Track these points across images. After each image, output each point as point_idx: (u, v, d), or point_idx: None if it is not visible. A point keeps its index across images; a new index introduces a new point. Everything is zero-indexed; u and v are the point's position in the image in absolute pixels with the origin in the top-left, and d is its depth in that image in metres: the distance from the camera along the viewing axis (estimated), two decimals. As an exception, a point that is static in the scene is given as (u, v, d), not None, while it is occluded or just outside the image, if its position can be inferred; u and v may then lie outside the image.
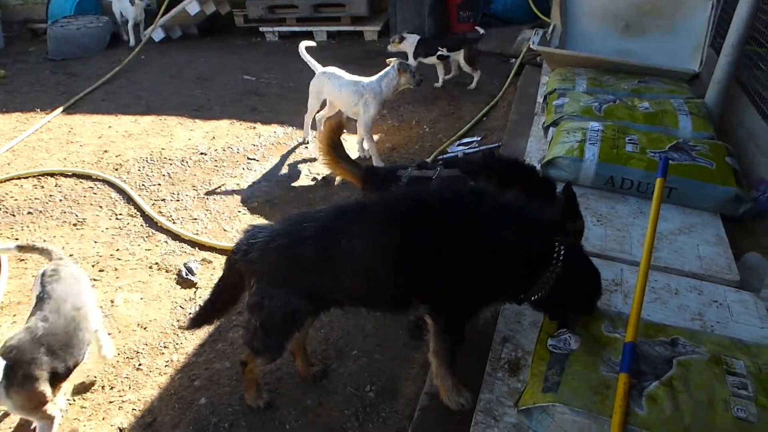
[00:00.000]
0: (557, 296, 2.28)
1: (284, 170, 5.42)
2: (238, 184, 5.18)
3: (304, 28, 9.68)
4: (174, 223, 4.56)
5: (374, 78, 5.19)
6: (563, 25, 6.21)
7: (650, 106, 4.41)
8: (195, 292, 3.82)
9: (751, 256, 3.36)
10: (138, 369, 3.23)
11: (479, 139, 5.67)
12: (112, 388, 3.12)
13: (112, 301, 3.71)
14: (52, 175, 5.37)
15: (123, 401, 3.03)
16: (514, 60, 7.88)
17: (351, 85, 5.17)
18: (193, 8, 9.48)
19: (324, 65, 5.54)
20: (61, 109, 7.05)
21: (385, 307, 2.53)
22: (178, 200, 4.92)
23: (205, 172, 5.39)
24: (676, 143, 3.82)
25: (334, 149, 3.29)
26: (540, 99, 5.28)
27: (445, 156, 5.35)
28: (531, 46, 5.97)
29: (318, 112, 5.65)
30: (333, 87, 5.21)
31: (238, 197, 4.95)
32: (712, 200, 3.58)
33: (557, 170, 3.88)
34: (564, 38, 6.20)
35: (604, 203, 3.68)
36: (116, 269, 4.04)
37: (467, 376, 2.61)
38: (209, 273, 3.98)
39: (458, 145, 5.62)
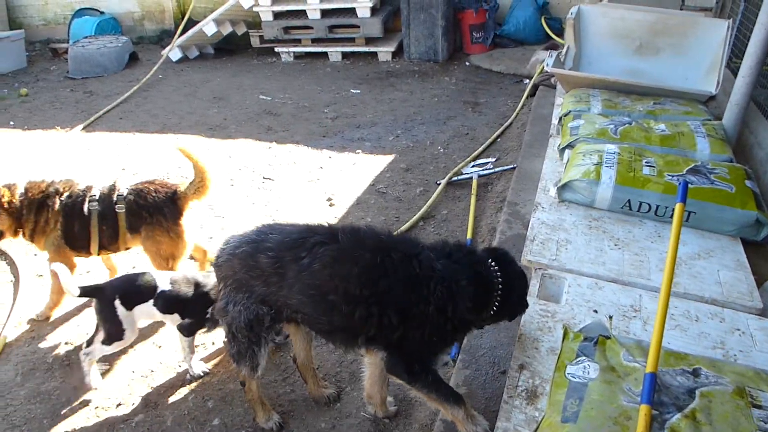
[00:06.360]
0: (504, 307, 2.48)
1: (298, 190, 5.43)
2: (253, 203, 5.19)
3: (319, 49, 9.75)
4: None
5: None
6: (577, 45, 6.21)
7: (666, 128, 4.38)
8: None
9: (773, 282, 3.31)
10: (152, 387, 3.23)
11: (494, 160, 5.66)
12: (122, 405, 3.12)
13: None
14: (69, 193, 5.39)
15: (136, 420, 3.03)
16: (527, 81, 7.90)
17: None
18: (210, 29, 9.59)
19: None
20: (80, 126, 7.15)
21: (327, 334, 2.50)
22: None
23: (221, 191, 5.41)
24: (693, 166, 3.79)
25: None
26: (555, 120, 5.26)
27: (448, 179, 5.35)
28: (545, 68, 5.96)
29: None
30: None
31: (252, 216, 4.96)
32: (731, 224, 3.53)
33: (573, 193, 3.85)
34: (578, 59, 6.20)
35: (621, 227, 3.64)
36: (131, 288, 4.04)
37: (486, 405, 2.59)
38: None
39: (473, 166, 5.61)
